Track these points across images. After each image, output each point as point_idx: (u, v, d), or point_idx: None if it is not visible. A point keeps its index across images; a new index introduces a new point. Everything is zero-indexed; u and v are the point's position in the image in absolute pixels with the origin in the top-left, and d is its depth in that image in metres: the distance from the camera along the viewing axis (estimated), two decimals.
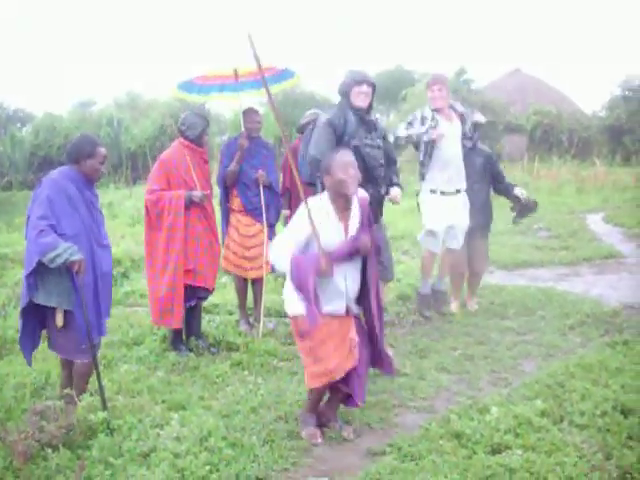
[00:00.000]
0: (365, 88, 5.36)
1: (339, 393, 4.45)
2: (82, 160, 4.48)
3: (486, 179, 7.05)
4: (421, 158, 6.60)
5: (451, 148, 6.54)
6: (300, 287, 4.05)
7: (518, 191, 7.10)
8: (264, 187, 6.52)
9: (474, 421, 4.30)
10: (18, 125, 33.90)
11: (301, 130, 7.03)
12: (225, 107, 29.78)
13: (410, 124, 6.56)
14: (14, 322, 6.95)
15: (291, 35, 79.15)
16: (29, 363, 4.71)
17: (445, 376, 5.43)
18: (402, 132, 6.45)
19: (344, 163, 4.19)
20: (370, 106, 5.47)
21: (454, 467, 3.76)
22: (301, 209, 4.24)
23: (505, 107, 26.12)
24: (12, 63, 63.01)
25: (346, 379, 4.33)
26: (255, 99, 7.12)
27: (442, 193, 6.60)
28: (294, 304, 4.19)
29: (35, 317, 4.49)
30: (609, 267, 9.56)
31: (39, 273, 4.29)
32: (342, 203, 4.24)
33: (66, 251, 4.16)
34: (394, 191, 5.71)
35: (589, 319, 6.74)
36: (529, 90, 29.81)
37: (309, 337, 4.18)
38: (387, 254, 5.66)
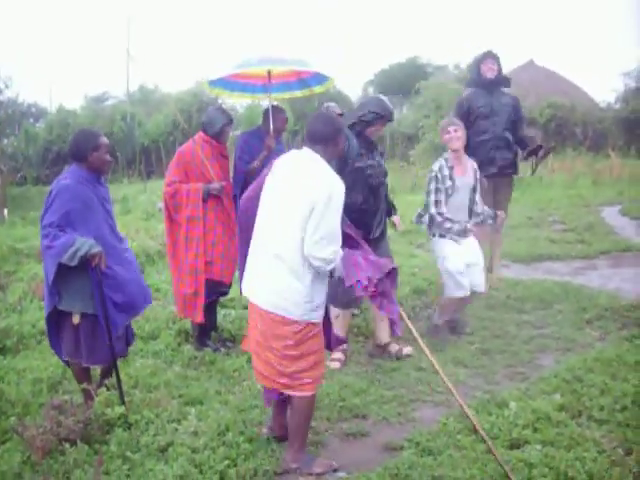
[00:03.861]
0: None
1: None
2: (88, 155, 4.42)
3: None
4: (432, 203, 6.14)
5: (461, 199, 6.18)
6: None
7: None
8: None
9: (492, 416, 4.28)
10: (31, 120, 33.95)
11: None
12: (238, 102, 29.57)
13: (438, 191, 6.06)
14: (30, 317, 6.98)
15: (301, 26, 79.08)
16: (65, 363, 4.76)
17: (462, 370, 5.42)
18: (439, 219, 6.06)
19: None
20: (369, 138, 5.60)
21: (473, 462, 3.76)
22: None
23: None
24: (25, 57, 63.15)
25: None
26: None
27: (453, 239, 6.13)
28: None
29: (58, 319, 4.48)
30: (626, 260, 9.44)
31: (61, 280, 4.27)
32: None
33: (84, 244, 4.14)
34: (396, 218, 6.04)
35: (607, 313, 6.66)
36: (542, 82, 29.56)
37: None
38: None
